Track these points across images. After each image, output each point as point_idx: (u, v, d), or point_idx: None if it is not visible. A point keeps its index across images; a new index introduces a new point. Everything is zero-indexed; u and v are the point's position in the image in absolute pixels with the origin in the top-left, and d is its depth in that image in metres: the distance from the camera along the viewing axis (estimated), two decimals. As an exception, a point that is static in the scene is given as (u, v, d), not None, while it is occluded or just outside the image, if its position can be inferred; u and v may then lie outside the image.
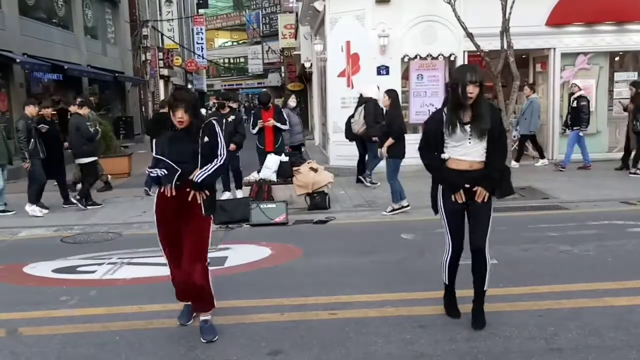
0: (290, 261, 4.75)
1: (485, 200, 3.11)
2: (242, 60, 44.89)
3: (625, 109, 8.73)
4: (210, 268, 3.35)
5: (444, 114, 3.12)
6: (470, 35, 7.11)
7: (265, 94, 8.29)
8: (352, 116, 8.01)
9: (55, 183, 7.61)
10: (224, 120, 7.34)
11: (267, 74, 37.69)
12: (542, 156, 9.63)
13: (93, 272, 4.61)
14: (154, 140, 3.26)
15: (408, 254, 4.72)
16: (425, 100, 9.61)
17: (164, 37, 24.21)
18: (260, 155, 7.57)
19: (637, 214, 5.96)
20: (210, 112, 13.58)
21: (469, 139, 3.03)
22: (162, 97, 23.63)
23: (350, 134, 8.08)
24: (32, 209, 6.97)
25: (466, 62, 9.58)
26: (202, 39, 29.78)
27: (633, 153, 8.45)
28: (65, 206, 7.43)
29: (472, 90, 2.94)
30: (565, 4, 9.44)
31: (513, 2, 6.92)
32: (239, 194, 7.45)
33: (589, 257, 4.48)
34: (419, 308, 3.49)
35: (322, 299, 3.69)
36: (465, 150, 3.05)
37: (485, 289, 3.18)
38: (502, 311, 3.39)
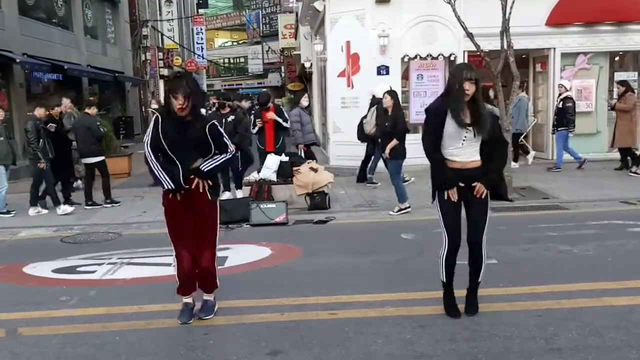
0: (290, 261, 4.75)
1: (483, 196, 3.19)
2: (242, 60, 44.88)
3: (612, 108, 8.75)
4: (217, 268, 3.51)
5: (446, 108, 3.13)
6: (470, 35, 7.10)
7: (264, 94, 8.27)
8: (365, 117, 7.96)
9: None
10: (224, 120, 7.34)
11: (267, 74, 37.68)
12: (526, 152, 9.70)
13: (93, 272, 4.61)
14: (156, 122, 3.20)
15: (408, 254, 4.72)
16: (425, 100, 9.60)
17: (164, 37, 24.21)
18: (261, 155, 7.55)
19: (636, 213, 5.96)
20: (210, 111, 13.57)
21: (463, 140, 3.10)
22: (162, 97, 23.63)
23: (362, 135, 8.02)
24: (63, 209, 7.01)
25: (466, 62, 9.61)
26: (202, 39, 29.77)
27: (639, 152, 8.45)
28: (44, 210, 7.31)
29: (469, 87, 3.02)
30: (565, 4, 9.44)
31: (513, 2, 6.91)
32: (239, 194, 7.44)
33: (588, 257, 4.48)
34: (419, 308, 3.49)
35: (322, 299, 3.69)
36: (457, 151, 3.13)
37: (479, 280, 3.31)
38: (502, 311, 3.39)
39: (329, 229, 5.97)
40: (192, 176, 3.22)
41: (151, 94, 22.12)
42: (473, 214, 3.22)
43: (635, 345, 2.91)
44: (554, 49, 9.73)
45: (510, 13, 6.94)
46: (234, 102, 8.62)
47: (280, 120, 7.53)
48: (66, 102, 8.36)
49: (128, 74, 18.61)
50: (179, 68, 26.65)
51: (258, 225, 6.02)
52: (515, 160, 9.10)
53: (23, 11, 12.22)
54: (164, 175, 3.21)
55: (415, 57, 9.55)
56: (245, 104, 9.01)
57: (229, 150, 3.33)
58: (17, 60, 10.70)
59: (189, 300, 3.49)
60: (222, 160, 3.31)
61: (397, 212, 6.29)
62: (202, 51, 29.58)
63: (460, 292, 3.42)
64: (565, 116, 8.62)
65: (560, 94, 8.81)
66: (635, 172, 8.14)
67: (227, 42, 49.33)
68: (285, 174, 6.83)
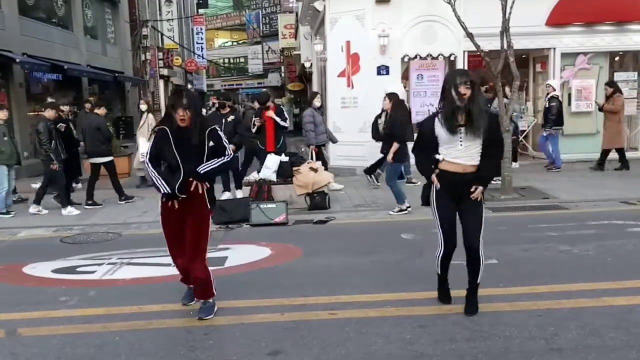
0: (290, 261, 4.74)
1: (478, 199, 3.23)
2: (242, 60, 44.87)
3: (600, 109, 8.75)
4: (210, 268, 3.52)
5: (438, 116, 3.21)
6: (470, 35, 7.10)
7: (264, 94, 8.27)
8: (379, 116, 7.93)
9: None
10: (224, 120, 7.34)
11: (267, 74, 37.67)
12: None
13: (93, 272, 4.61)
14: (156, 137, 3.33)
15: (408, 254, 4.72)
16: (425, 100, 9.61)
17: (164, 37, 24.19)
18: (262, 155, 7.52)
19: (636, 213, 5.96)
20: (210, 111, 13.58)
21: (461, 141, 3.14)
22: (162, 97, 23.63)
23: (377, 134, 7.98)
24: (69, 210, 7.01)
25: (466, 62, 9.60)
26: (202, 39, 29.74)
27: None
28: (44, 210, 7.33)
29: (464, 91, 3.08)
30: (565, 4, 9.43)
31: (513, 2, 6.91)
32: (239, 194, 7.44)
33: (588, 257, 4.48)
34: (419, 308, 3.49)
35: (322, 299, 3.69)
36: (458, 154, 3.16)
37: (478, 282, 3.35)
38: (502, 311, 3.39)
39: (329, 229, 5.97)
40: (190, 179, 3.26)
41: (151, 94, 22.11)
42: (468, 217, 3.26)
43: (635, 345, 2.91)
44: (554, 49, 9.73)
45: (510, 13, 6.94)
46: (247, 103, 8.64)
47: (278, 119, 7.50)
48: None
49: (128, 74, 18.59)
50: (179, 68, 26.68)
51: (258, 225, 6.02)
52: (515, 160, 9.08)
53: (23, 11, 12.21)
54: (160, 181, 3.28)
55: (415, 57, 9.54)
56: (256, 104, 9.00)
57: (227, 154, 3.38)
58: (17, 60, 10.69)
59: (191, 285, 3.61)
60: (219, 163, 3.33)
61: (396, 212, 6.29)
62: (202, 51, 29.57)
63: (460, 292, 3.42)
64: (547, 115, 8.64)
65: (547, 94, 8.80)
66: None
67: (227, 42, 49.32)
68: (285, 174, 6.82)
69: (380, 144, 8.04)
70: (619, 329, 3.08)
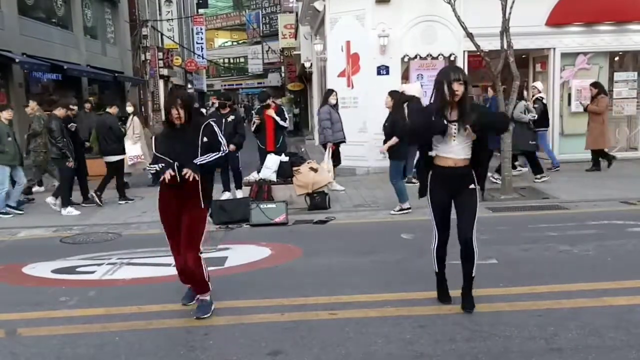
0: (290, 261, 4.74)
1: (472, 188, 3.34)
2: (242, 60, 44.87)
3: (585, 109, 8.76)
4: (210, 268, 3.59)
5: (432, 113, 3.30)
6: (470, 35, 7.10)
7: (264, 92, 8.28)
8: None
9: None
10: (224, 121, 7.33)
11: (267, 74, 37.67)
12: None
13: (92, 272, 4.61)
14: (154, 138, 3.53)
15: (408, 254, 4.72)
16: (425, 100, 9.59)
17: (164, 37, 24.19)
18: (262, 155, 7.52)
19: (636, 213, 5.96)
20: (210, 111, 13.57)
21: (454, 137, 3.22)
22: (162, 97, 23.62)
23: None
24: (67, 211, 7.00)
25: (466, 62, 9.60)
26: (202, 38, 29.75)
27: None
28: (84, 205, 7.48)
29: (457, 88, 3.13)
30: (565, 4, 9.43)
31: (513, 2, 6.91)
32: (239, 194, 7.44)
33: (588, 257, 4.48)
34: (419, 308, 3.49)
35: (322, 299, 3.69)
36: (450, 149, 3.25)
37: (473, 275, 3.37)
38: (502, 311, 3.39)
39: (329, 229, 5.97)
40: (185, 171, 3.32)
41: (150, 94, 22.11)
42: (463, 208, 3.34)
43: (635, 345, 2.91)
44: (554, 49, 9.73)
45: (510, 13, 6.94)
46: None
47: (278, 118, 7.50)
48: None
49: (128, 74, 18.59)
50: (179, 68, 26.68)
51: (258, 226, 6.02)
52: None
53: (22, 11, 12.21)
54: (159, 166, 3.38)
55: (415, 57, 9.54)
56: (276, 101, 8.99)
57: (222, 149, 3.46)
58: (17, 60, 10.69)
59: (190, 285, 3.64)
60: (214, 158, 3.41)
61: (397, 211, 6.29)
62: (202, 51, 29.56)
63: (459, 293, 3.42)
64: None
65: (532, 95, 8.76)
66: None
67: (227, 42, 49.32)
68: (285, 174, 6.82)
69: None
70: (619, 329, 3.08)
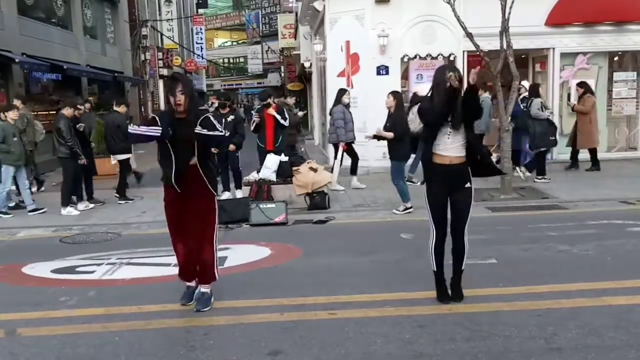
0: (290, 261, 4.74)
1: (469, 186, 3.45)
2: (241, 60, 44.87)
3: (572, 109, 8.78)
4: (216, 261, 3.61)
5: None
6: (469, 35, 7.10)
7: (264, 92, 8.28)
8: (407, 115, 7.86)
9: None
10: (223, 121, 7.32)
11: (266, 74, 37.68)
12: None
13: (92, 272, 4.61)
14: (154, 116, 3.45)
15: (408, 254, 4.72)
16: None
17: (164, 37, 24.18)
18: (261, 154, 7.51)
19: (636, 213, 5.96)
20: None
21: (448, 134, 3.34)
22: (161, 97, 23.61)
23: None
24: (68, 211, 7.00)
25: (466, 62, 9.60)
26: (201, 38, 29.75)
27: None
28: (90, 205, 7.50)
29: (453, 76, 3.22)
30: (564, 4, 9.44)
31: (512, 2, 6.91)
32: (239, 194, 7.44)
33: (588, 257, 4.48)
34: (418, 308, 3.49)
35: (321, 299, 3.69)
36: (445, 146, 3.37)
37: (462, 268, 3.53)
38: (502, 311, 3.39)
39: (329, 229, 5.97)
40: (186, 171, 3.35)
41: (150, 94, 22.11)
42: (458, 205, 3.46)
43: (635, 344, 2.91)
44: (554, 49, 9.73)
45: (509, 13, 6.94)
46: (281, 99, 8.71)
47: (279, 117, 7.50)
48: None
49: (127, 74, 18.58)
50: (179, 68, 26.66)
51: (258, 225, 6.02)
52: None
53: (22, 11, 12.20)
54: (154, 130, 3.30)
55: (415, 57, 9.54)
56: (291, 100, 8.99)
57: (220, 131, 3.44)
58: (16, 60, 10.68)
59: (191, 283, 3.67)
60: (211, 134, 3.37)
61: (402, 211, 6.29)
62: (201, 51, 29.56)
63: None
64: None
65: (520, 94, 8.72)
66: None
67: (226, 42, 49.31)
68: (284, 173, 6.82)
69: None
70: (618, 329, 3.08)
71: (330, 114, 8.05)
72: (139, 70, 20.78)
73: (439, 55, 9.55)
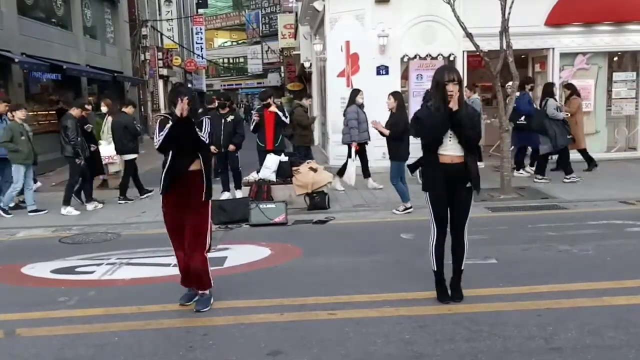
0: (290, 261, 4.74)
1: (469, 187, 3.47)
2: (241, 60, 44.88)
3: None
4: (209, 268, 3.61)
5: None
6: (469, 35, 7.10)
7: (264, 91, 8.27)
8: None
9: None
10: (223, 121, 7.33)
11: (266, 74, 37.69)
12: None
13: (92, 272, 4.60)
14: (160, 120, 3.52)
15: (408, 254, 4.72)
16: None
17: (164, 37, 24.18)
18: (261, 154, 7.50)
19: (636, 213, 5.96)
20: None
21: (450, 137, 3.36)
22: (161, 97, 23.60)
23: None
24: (67, 210, 7.00)
25: (466, 62, 9.60)
26: (201, 38, 29.75)
27: None
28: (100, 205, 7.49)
29: (452, 89, 3.28)
30: (564, 4, 9.44)
31: (512, 2, 6.92)
32: (239, 194, 7.43)
33: (588, 257, 4.48)
34: (418, 308, 3.49)
35: (321, 299, 3.69)
36: (446, 146, 3.39)
37: (462, 268, 3.54)
38: (502, 311, 3.39)
39: (329, 229, 5.97)
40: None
41: (150, 94, 22.10)
42: (458, 206, 3.47)
43: (635, 344, 2.91)
44: (553, 49, 9.74)
45: (509, 13, 6.94)
46: (302, 100, 8.69)
47: (280, 113, 7.51)
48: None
49: (127, 74, 18.56)
50: (179, 68, 26.66)
51: (257, 226, 6.01)
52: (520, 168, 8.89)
53: (22, 11, 12.18)
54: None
55: (415, 57, 9.54)
56: (307, 102, 8.95)
57: (204, 137, 3.45)
58: (16, 60, 10.67)
59: (191, 288, 3.69)
60: (202, 135, 3.42)
61: (402, 211, 6.30)
62: (201, 51, 29.56)
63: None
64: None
65: (507, 95, 8.69)
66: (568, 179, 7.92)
67: (226, 42, 49.31)
68: (284, 174, 6.82)
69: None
70: (618, 329, 3.08)
71: (343, 114, 8.02)
72: (139, 70, 20.78)
73: (438, 55, 9.55)
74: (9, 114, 7.12)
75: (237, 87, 44.05)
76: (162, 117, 3.50)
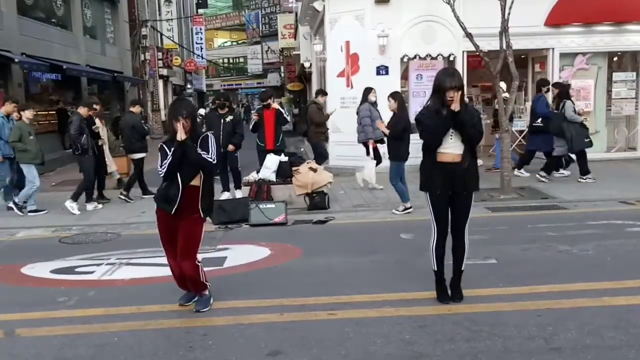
0: (290, 261, 4.74)
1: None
2: (241, 60, 44.88)
3: None
4: (209, 268, 3.71)
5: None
6: (469, 36, 7.10)
7: (265, 92, 8.26)
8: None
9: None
10: (222, 121, 7.32)
11: (266, 74, 37.67)
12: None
13: (91, 272, 4.60)
14: (161, 147, 3.51)
15: (408, 254, 4.72)
16: (425, 100, 9.57)
17: (163, 37, 24.18)
18: (260, 154, 7.49)
19: (636, 213, 5.96)
20: (208, 111, 13.59)
21: (451, 135, 3.39)
22: (161, 97, 23.59)
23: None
24: (71, 206, 7.02)
25: (465, 63, 9.60)
26: (201, 38, 29.74)
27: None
28: (100, 201, 7.57)
29: (452, 95, 3.30)
30: (563, 4, 9.44)
31: (512, 2, 6.92)
32: (238, 194, 7.43)
33: (588, 257, 4.48)
34: (418, 308, 3.49)
35: (321, 299, 3.69)
36: (447, 145, 3.41)
37: (462, 268, 3.55)
38: (502, 311, 3.39)
39: (329, 229, 5.97)
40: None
41: (150, 94, 22.10)
42: (458, 206, 3.48)
43: (635, 344, 2.91)
44: (553, 49, 9.74)
45: (509, 13, 6.94)
46: (317, 97, 8.62)
47: (282, 109, 7.53)
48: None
49: (127, 74, 18.57)
50: (178, 68, 26.66)
51: (257, 226, 6.01)
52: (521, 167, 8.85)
53: (22, 11, 12.19)
54: (168, 160, 3.40)
55: (415, 57, 9.54)
56: (322, 99, 8.91)
57: (211, 157, 3.41)
58: (16, 60, 10.68)
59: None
60: (203, 156, 3.38)
61: (401, 211, 6.29)
62: (201, 51, 29.55)
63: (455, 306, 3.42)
64: (495, 118, 8.50)
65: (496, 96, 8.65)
66: (544, 177, 7.91)
67: (226, 42, 49.31)
68: (284, 174, 6.82)
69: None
70: (618, 329, 3.08)
71: (356, 112, 8.01)
72: (139, 70, 20.78)
73: (438, 55, 9.56)
74: (15, 114, 7.16)
75: (237, 87, 44.05)
76: (160, 146, 3.51)
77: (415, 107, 9.62)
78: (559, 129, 7.70)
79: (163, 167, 3.39)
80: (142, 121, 8.07)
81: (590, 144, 7.97)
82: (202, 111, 14.00)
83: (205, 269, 3.62)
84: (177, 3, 26.13)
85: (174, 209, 3.39)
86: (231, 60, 46.90)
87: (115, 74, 16.79)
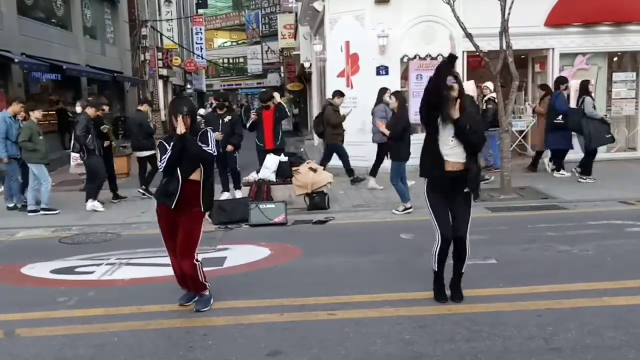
0: (290, 261, 4.74)
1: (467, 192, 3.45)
2: (241, 60, 44.87)
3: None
4: (209, 268, 3.70)
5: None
6: (469, 36, 7.10)
7: (265, 92, 8.26)
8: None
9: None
10: (221, 121, 7.32)
11: (266, 74, 37.66)
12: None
13: (91, 272, 4.60)
14: (160, 144, 3.55)
15: (407, 254, 4.72)
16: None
17: (163, 37, 24.18)
18: (260, 154, 7.47)
19: (636, 213, 5.96)
20: (207, 111, 13.60)
21: (452, 138, 3.32)
22: (161, 97, 23.59)
23: None
24: (93, 205, 7.06)
25: (466, 63, 9.59)
26: (201, 39, 29.75)
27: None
28: (114, 201, 7.63)
29: (451, 83, 3.29)
30: (563, 5, 9.44)
31: (512, 2, 6.92)
32: (238, 194, 7.43)
33: (588, 257, 4.48)
34: (418, 308, 3.49)
35: (321, 299, 3.69)
36: (447, 151, 3.34)
37: (463, 271, 3.55)
38: (502, 311, 3.39)
39: (328, 229, 5.97)
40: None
41: (150, 93, 22.09)
42: (458, 210, 3.44)
43: (635, 344, 2.91)
44: (553, 49, 9.74)
45: (509, 13, 6.94)
46: (334, 99, 8.57)
47: (284, 104, 7.55)
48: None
49: (127, 74, 18.57)
50: (178, 68, 26.66)
51: (257, 226, 6.01)
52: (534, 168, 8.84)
53: (22, 11, 12.19)
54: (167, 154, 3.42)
55: (415, 57, 9.54)
56: (338, 100, 8.88)
57: (210, 149, 3.43)
58: (16, 60, 10.68)
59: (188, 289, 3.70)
60: (203, 148, 3.40)
61: (401, 211, 6.29)
62: (201, 51, 29.55)
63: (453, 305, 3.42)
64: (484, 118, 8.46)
65: (484, 96, 8.62)
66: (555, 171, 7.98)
67: (226, 42, 49.30)
68: (284, 174, 6.82)
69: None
70: (618, 329, 3.08)
71: (372, 113, 8.00)
72: (139, 70, 20.77)
73: (438, 55, 9.53)
74: (22, 113, 7.16)
75: (237, 87, 44.04)
76: (160, 142, 3.54)
77: (415, 107, 9.61)
78: (578, 125, 7.62)
79: (163, 161, 3.40)
80: (149, 120, 8.14)
81: (612, 140, 7.90)
82: (202, 111, 13.99)
83: (205, 269, 3.62)
84: (177, 3, 26.13)
85: (174, 203, 3.40)
86: (231, 61, 46.89)
87: (115, 74, 16.79)
